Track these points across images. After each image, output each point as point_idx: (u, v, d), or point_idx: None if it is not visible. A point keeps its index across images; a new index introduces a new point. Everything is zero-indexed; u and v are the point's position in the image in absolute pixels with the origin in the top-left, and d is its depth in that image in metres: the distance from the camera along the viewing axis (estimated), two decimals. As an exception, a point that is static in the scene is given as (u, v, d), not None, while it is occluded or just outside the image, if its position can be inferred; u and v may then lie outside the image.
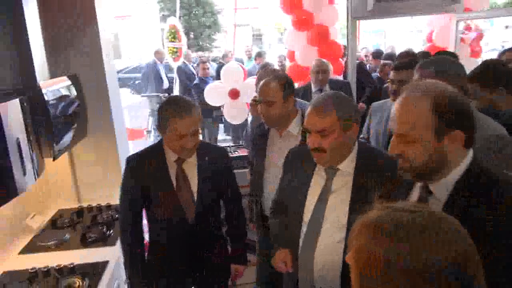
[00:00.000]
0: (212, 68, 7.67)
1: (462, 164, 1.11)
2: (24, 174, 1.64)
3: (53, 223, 2.45)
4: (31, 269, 1.93)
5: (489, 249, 0.88)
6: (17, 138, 1.62)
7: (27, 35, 2.08)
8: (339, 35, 4.66)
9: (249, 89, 3.82)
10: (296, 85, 4.49)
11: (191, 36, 17.73)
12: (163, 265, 1.97)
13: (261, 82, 2.21)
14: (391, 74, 2.34)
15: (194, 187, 1.90)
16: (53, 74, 2.38)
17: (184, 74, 7.26)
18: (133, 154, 1.97)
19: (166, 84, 7.12)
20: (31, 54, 2.09)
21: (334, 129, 1.50)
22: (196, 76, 6.88)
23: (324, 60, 3.70)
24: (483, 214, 1.00)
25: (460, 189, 1.09)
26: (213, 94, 4.13)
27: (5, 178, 1.52)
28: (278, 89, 2.10)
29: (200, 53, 10.27)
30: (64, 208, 2.67)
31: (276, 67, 5.17)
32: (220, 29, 18.42)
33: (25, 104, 1.77)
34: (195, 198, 1.90)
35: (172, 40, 10.34)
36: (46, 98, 2.00)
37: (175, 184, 1.88)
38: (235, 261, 2.10)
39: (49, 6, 2.47)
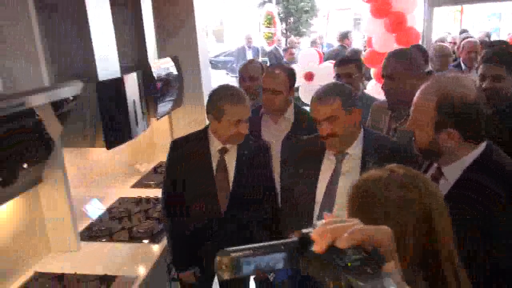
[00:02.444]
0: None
1: (471, 154, 1.24)
2: (137, 125, 2.34)
3: (155, 170, 3.20)
4: (137, 197, 2.68)
5: (485, 238, 1.02)
6: (133, 100, 2.32)
7: (142, 23, 2.80)
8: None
9: (324, 72, 4.20)
10: (373, 70, 4.75)
11: (290, 21, 18.14)
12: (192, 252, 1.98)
13: (267, 72, 2.34)
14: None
15: (231, 177, 1.91)
16: (160, 55, 3.10)
17: (275, 58, 7.81)
18: (178, 138, 2.03)
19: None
20: (145, 38, 2.82)
21: (339, 115, 1.60)
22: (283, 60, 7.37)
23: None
24: (481, 208, 1.10)
25: (467, 176, 1.23)
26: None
27: (125, 126, 2.22)
28: (285, 79, 2.22)
29: (292, 38, 10.67)
30: (163, 160, 3.43)
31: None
32: (317, 13, 18.47)
33: (139, 76, 2.46)
34: (231, 188, 1.91)
35: (268, 25, 10.95)
36: (154, 74, 2.70)
37: (215, 173, 1.90)
38: None
39: (160, 5, 3.17)
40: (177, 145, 1.97)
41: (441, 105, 1.22)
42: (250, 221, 1.95)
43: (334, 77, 2.67)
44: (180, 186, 1.92)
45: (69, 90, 1.71)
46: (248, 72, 2.75)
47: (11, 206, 1.86)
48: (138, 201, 2.63)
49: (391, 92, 1.98)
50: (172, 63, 3.13)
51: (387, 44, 4.39)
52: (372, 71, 4.64)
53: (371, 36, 4.71)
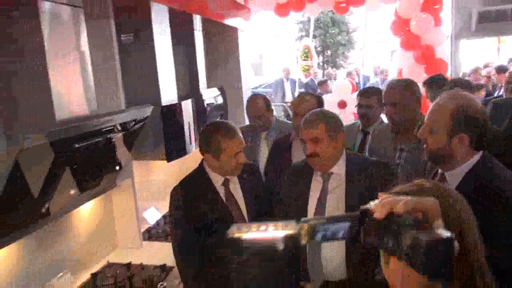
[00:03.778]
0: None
1: (471, 161, 1.44)
2: (190, 143, 2.76)
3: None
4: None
5: (486, 238, 0.97)
6: (188, 122, 2.75)
7: (196, 58, 3.27)
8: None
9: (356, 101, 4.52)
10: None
11: (327, 53, 18.68)
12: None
13: (298, 98, 2.58)
14: None
15: (242, 205, 1.96)
16: (209, 85, 3.56)
17: (310, 89, 8.20)
18: (178, 185, 1.96)
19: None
20: (197, 71, 3.29)
21: (322, 137, 1.76)
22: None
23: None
24: (481, 208, 1.16)
25: (468, 180, 1.41)
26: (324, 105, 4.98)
27: (181, 143, 2.64)
28: (315, 105, 2.41)
29: (329, 70, 11.09)
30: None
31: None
32: (354, 46, 18.90)
33: (193, 103, 2.90)
34: (245, 215, 1.95)
35: (305, 58, 11.44)
36: (204, 102, 3.14)
37: (225, 204, 1.92)
38: None
39: (209, 38, 3.67)
40: (178, 192, 1.93)
41: (456, 114, 1.43)
42: None
43: (355, 106, 2.90)
44: (194, 229, 1.85)
45: (143, 112, 2.15)
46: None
47: (90, 206, 2.29)
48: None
49: (394, 118, 2.23)
50: (218, 92, 3.58)
51: (417, 74, 4.67)
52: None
53: (401, 68, 5.01)
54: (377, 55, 16.74)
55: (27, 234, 1.76)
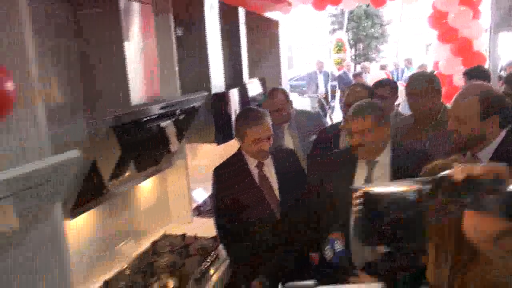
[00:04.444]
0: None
1: (498, 138, 1.65)
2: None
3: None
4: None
5: None
6: (234, 109, 2.96)
7: (240, 50, 3.48)
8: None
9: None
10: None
11: (360, 47, 18.54)
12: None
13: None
14: None
15: (275, 186, 2.10)
16: (251, 76, 3.76)
17: (343, 81, 8.29)
18: (219, 165, 2.21)
19: (321, 90, 8.35)
20: (241, 62, 3.49)
21: (369, 128, 1.82)
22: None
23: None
24: None
25: (497, 154, 1.62)
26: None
27: (228, 128, 2.86)
28: (367, 95, 2.46)
29: (364, 63, 11.08)
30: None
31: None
32: (387, 39, 18.65)
33: (238, 92, 3.11)
34: (277, 195, 2.10)
35: (338, 52, 11.48)
36: (247, 92, 3.34)
37: (259, 185, 2.09)
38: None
39: (252, 33, 3.86)
40: (219, 171, 2.18)
41: (483, 99, 1.63)
42: (300, 222, 2.11)
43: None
44: (231, 206, 2.08)
45: (200, 98, 2.38)
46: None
47: (149, 184, 2.55)
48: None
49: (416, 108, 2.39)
50: (259, 83, 3.78)
51: (453, 67, 4.72)
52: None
53: (438, 60, 5.05)
54: (411, 48, 16.50)
55: (100, 204, 2.03)
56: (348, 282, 1.71)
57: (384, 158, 1.89)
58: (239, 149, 2.17)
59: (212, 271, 2.13)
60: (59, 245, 1.60)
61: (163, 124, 2.16)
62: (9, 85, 1.06)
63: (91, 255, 2.06)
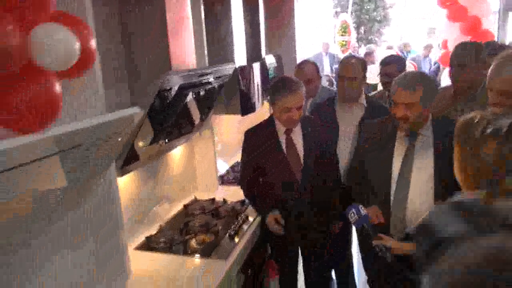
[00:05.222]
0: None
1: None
2: (258, 101, 3.10)
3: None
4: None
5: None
6: (257, 82, 3.08)
7: (259, 27, 3.58)
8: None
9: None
10: (447, 70, 5.17)
11: (361, 30, 18.49)
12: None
13: (343, 61, 2.67)
14: None
15: (301, 152, 2.19)
16: (268, 52, 3.87)
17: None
18: (250, 128, 2.32)
19: (327, 71, 8.47)
20: (260, 38, 3.59)
21: (417, 102, 1.78)
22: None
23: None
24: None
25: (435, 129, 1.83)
26: (370, 74, 5.26)
27: (252, 100, 2.99)
28: (360, 67, 2.52)
29: (368, 45, 11.13)
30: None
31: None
32: (390, 23, 18.60)
33: (259, 66, 3.23)
34: (302, 161, 2.18)
35: (343, 34, 11.51)
36: (267, 66, 3.46)
37: (285, 150, 2.19)
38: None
39: (271, 13, 3.95)
40: (249, 134, 2.28)
41: (424, 92, 1.71)
42: (322, 189, 2.22)
43: (378, 74, 3.09)
44: (257, 166, 2.22)
45: (229, 69, 2.49)
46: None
47: (178, 152, 2.68)
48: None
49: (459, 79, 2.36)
50: (275, 59, 3.88)
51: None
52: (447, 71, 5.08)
53: (446, 39, 5.15)
54: (413, 32, 16.48)
55: (142, 167, 2.17)
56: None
57: (426, 132, 1.89)
58: (271, 115, 2.27)
59: (244, 229, 2.28)
60: (113, 200, 1.75)
61: (198, 92, 2.29)
62: (93, 43, 1.17)
63: (130, 216, 2.20)
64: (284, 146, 2.19)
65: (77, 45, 1.01)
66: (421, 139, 1.89)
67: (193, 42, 2.31)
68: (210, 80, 2.28)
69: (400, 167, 1.90)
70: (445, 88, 2.62)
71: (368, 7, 18.24)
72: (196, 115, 2.45)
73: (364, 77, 2.59)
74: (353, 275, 2.97)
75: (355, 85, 2.51)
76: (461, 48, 2.42)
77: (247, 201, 2.51)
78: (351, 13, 16.25)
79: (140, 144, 1.98)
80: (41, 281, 1.48)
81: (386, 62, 3.06)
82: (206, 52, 2.66)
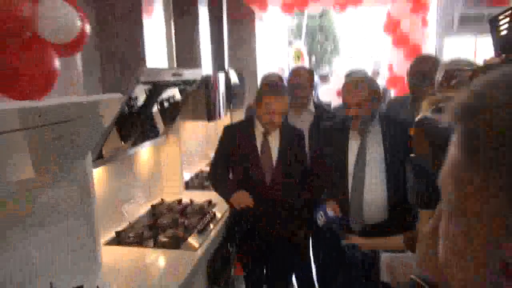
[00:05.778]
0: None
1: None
2: (222, 109, 3.25)
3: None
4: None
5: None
6: (222, 92, 3.23)
7: (223, 40, 3.75)
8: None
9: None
10: (393, 91, 5.65)
11: (313, 59, 19.42)
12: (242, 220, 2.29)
13: (293, 71, 2.86)
14: None
15: (274, 157, 2.23)
16: (230, 66, 4.05)
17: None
18: (230, 124, 2.48)
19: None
20: (224, 51, 3.76)
21: (367, 100, 1.99)
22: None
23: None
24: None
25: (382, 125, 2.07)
26: (325, 93, 5.60)
27: (217, 108, 3.12)
28: (307, 76, 2.72)
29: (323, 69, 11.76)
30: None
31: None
32: (340, 53, 19.68)
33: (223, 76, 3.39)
34: (274, 164, 2.23)
35: (297, 61, 12.03)
36: (230, 79, 3.63)
37: (260, 150, 2.24)
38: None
39: (234, 29, 4.17)
40: (228, 128, 2.36)
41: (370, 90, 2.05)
42: (290, 191, 2.26)
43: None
44: (230, 160, 2.28)
45: (197, 74, 2.63)
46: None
47: (146, 154, 2.74)
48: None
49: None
50: (236, 73, 4.07)
51: (406, 68, 5.28)
52: (393, 92, 5.55)
53: (391, 63, 5.63)
54: (361, 63, 17.58)
55: (111, 162, 2.22)
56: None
57: (375, 128, 2.08)
58: (251, 115, 2.33)
59: (211, 226, 2.36)
60: (88, 191, 1.79)
61: (170, 92, 2.39)
62: (87, 26, 1.27)
63: (99, 213, 2.22)
64: (259, 146, 2.23)
65: (78, 22, 1.12)
66: (371, 134, 2.07)
67: (165, 43, 2.42)
68: (180, 82, 2.39)
69: (354, 163, 2.06)
70: (396, 98, 2.93)
71: (319, 38, 19.26)
72: (163, 119, 2.54)
73: (312, 85, 2.77)
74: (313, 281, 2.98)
75: (303, 92, 2.68)
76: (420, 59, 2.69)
77: (213, 200, 2.61)
78: (304, 42, 17.08)
79: (109, 143, 2.03)
80: (11, 268, 1.48)
81: (420, 60, 2.84)
82: (175, 55, 2.79)
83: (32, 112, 1.06)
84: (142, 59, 2.09)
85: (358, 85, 2.03)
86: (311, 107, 2.75)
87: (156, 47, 2.32)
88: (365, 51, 18.70)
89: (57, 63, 1.15)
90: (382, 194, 2.02)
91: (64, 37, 1.09)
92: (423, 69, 2.58)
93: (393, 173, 2.03)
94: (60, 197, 1.66)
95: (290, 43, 17.26)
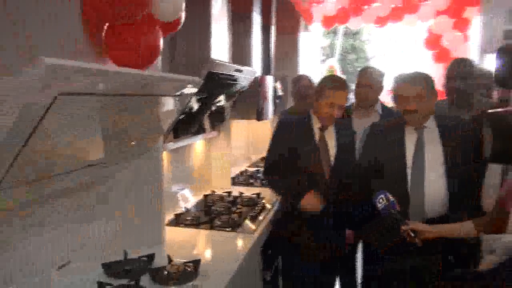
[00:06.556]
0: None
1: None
2: (270, 110, 3.38)
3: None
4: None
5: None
6: (271, 94, 3.37)
7: (270, 46, 3.91)
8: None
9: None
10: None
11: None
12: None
13: (363, 70, 2.83)
14: None
15: (332, 151, 2.21)
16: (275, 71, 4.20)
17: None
18: (285, 118, 2.66)
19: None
20: (270, 57, 3.91)
21: (423, 95, 1.95)
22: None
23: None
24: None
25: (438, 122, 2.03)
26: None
27: (266, 109, 3.25)
28: (377, 76, 2.72)
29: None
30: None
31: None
32: (371, 73, 19.67)
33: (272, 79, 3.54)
34: (332, 160, 2.21)
35: (330, 78, 12.14)
36: (276, 82, 3.78)
37: (318, 143, 2.21)
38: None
39: (279, 40, 4.34)
40: (284, 122, 2.36)
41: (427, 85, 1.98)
42: (349, 187, 2.18)
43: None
44: (286, 155, 2.21)
45: (253, 73, 2.78)
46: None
47: (199, 147, 2.90)
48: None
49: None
50: (280, 80, 4.22)
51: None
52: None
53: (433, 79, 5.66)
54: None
55: (172, 150, 2.37)
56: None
57: (431, 124, 2.03)
58: (307, 111, 2.32)
59: (262, 216, 2.46)
60: (159, 169, 1.93)
61: (230, 87, 2.52)
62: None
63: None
64: (317, 139, 2.22)
65: (183, 4, 1.28)
66: (427, 131, 2.04)
67: (227, 40, 2.57)
68: (240, 77, 2.54)
69: (413, 156, 2.02)
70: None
71: (351, 57, 19.37)
72: (222, 112, 2.70)
73: (381, 86, 2.76)
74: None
75: (371, 92, 2.69)
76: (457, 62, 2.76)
77: (261, 194, 2.72)
78: (337, 60, 17.21)
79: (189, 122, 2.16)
80: (81, 242, 1.63)
81: (458, 62, 2.85)
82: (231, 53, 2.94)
83: (141, 79, 1.21)
84: (208, 56, 2.25)
85: (416, 79, 2.01)
86: (378, 108, 2.75)
87: (219, 47, 2.49)
88: (399, 68, 18.72)
89: (161, 39, 1.31)
90: (443, 188, 1.99)
91: (172, 17, 1.25)
92: (460, 71, 2.65)
93: (453, 167, 2.01)
94: (138, 172, 1.82)
95: (323, 61, 17.51)
